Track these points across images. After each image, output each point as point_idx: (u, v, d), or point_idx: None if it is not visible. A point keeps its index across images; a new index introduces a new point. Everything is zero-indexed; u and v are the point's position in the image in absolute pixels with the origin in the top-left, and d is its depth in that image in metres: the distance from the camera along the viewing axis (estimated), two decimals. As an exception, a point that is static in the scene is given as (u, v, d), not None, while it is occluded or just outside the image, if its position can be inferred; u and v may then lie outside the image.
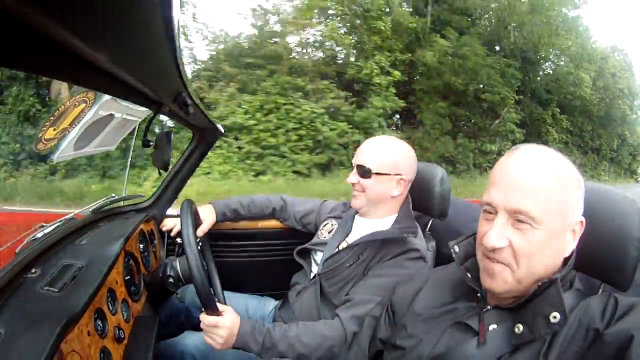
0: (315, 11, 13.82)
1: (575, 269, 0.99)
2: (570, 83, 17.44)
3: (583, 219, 0.93)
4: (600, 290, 1.05)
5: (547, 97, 17.61)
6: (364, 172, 1.62)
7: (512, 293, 0.94)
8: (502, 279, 0.92)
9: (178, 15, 0.65)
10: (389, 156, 1.63)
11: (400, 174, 1.63)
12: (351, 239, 1.71)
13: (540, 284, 0.89)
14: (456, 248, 1.10)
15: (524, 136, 16.45)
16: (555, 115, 17.68)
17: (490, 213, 0.94)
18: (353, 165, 1.67)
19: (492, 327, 0.95)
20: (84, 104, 1.65)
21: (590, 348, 0.81)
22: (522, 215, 0.88)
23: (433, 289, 1.18)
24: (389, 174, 1.62)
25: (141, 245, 1.74)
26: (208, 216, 1.96)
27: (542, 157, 0.92)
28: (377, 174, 1.61)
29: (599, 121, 19.09)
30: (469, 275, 1.04)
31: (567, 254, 0.93)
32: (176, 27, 0.67)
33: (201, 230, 1.84)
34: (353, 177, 1.66)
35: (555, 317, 0.84)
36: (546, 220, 0.87)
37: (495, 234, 0.90)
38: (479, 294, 1.03)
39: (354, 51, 14.30)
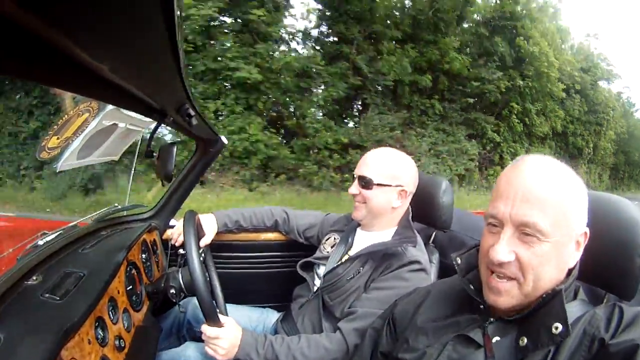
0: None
1: (580, 279, 0.98)
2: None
3: (587, 229, 0.93)
4: (605, 300, 1.04)
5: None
6: (366, 183, 1.62)
7: (516, 307, 0.93)
8: (508, 295, 0.91)
9: (181, 26, 0.66)
10: (390, 167, 1.63)
11: (401, 185, 1.63)
12: (352, 252, 1.71)
13: (544, 296, 0.88)
14: (458, 260, 1.09)
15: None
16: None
17: (495, 226, 0.93)
18: (355, 176, 1.68)
19: (496, 339, 0.94)
20: (88, 114, 1.66)
21: (595, 358, 0.80)
22: (530, 228, 0.86)
23: (435, 302, 1.16)
24: (390, 185, 1.62)
25: (144, 255, 1.74)
26: (210, 226, 1.96)
27: (549, 168, 0.91)
28: (378, 185, 1.61)
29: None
30: (471, 287, 1.03)
31: (571, 265, 0.93)
32: (179, 37, 0.67)
33: (204, 241, 1.84)
34: (354, 188, 1.66)
35: (557, 327, 0.83)
36: (553, 232, 0.86)
37: (502, 248, 0.89)
38: (481, 306, 1.02)
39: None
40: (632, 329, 0.79)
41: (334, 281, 1.63)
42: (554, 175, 0.90)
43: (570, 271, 0.94)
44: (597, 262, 1.00)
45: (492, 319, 0.98)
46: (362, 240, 1.72)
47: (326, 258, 1.77)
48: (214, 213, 2.02)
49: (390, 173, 1.62)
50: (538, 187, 0.88)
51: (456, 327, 1.04)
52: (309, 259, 1.87)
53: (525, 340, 0.87)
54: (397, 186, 1.63)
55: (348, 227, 1.83)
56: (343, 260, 1.69)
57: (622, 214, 0.99)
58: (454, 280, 1.17)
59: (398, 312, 1.24)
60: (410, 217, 1.70)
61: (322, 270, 1.75)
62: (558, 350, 0.83)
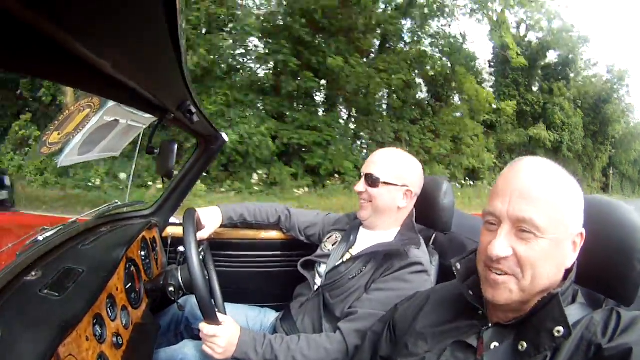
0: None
1: (578, 284, 0.98)
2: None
3: (583, 230, 0.93)
4: (604, 305, 1.04)
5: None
6: (372, 182, 1.63)
7: (514, 305, 0.93)
8: (505, 289, 0.91)
9: (183, 23, 0.65)
10: (398, 167, 1.64)
11: (407, 186, 1.64)
12: (355, 250, 1.70)
13: (540, 299, 0.88)
14: (458, 265, 1.09)
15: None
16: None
17: (493, 224, 0.94)
18: (362, 174, 1.68)
19: (494, 345, 0.94)
20: (89, 109, 1.66)
21: None
22: (526, 224, 0.87)
23: (434, 307, 1.16)
24: (397, 185, 1.63)
25: (143, 253, 1.74)
26: (214, 219, 1.94)
27: (545, 169, 0.92)
28: (385, 183, 1.62)
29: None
30: (470, 293, 1.03)
31: (568, 266, 0.93)
32: (181, 34, 0.67)
33: (202, 235, 1.84)
34: (361, 185, 1.67)
35: (559, 331, 0.83)
36: (549, 229, 0.87)
37: (499, 243, 0.89)
38: (480, 312, 1.02)
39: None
40: (629, 333, 0.79)
41: (336, 279, 1.63)
42: (550, 175, 0.91)
43: (567, 274, 0.94)
44: (596, 267, 0.99)
45: (489, 325, 0.98)
46: (365, 239, 1.72)
47: (327, 256, 1.77)
48: (219, 206, 2.00)
49: (397, 173, 1.63)
50: (534, 185, 0.89)
51: (455, 333, 1.04)
52: (309, 257, 1.87)
53: (525, 344, 0.87)
54: (403, 186, 1.64)
55: (351, 226, 1.83)
56: (345, 258, 1.69)
57: (622, 219, 0.99)
58: (453, 285, 1.17)
59: (398, 317, 1.24)
60: (413, 219, 1.70)
61: (323, 269, 1.75)
62: (555, 355, 0.83)
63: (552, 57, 22.37)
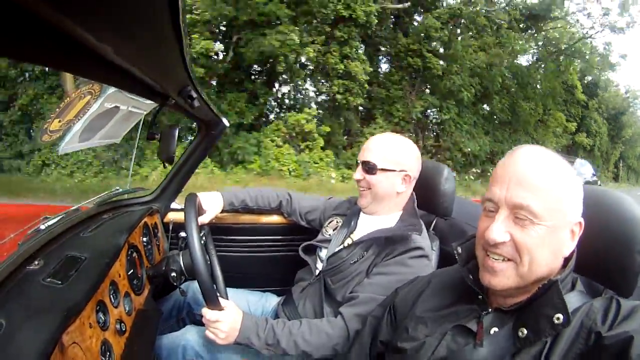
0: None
1: (578, 273, 0.98)
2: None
3: (582, 220, 0.93)
4: (603, 294, 1.04)
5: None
6: (369, 168, 1.61)
7: (511, 291, 0.94)
8: (503, 276, 0.92)
9: (184, 8, 0.65)
10: (394, 152, 1.62)
11: (405, 170, 1.63)
12: (356, 236, 1.70)
13: (540, 285, 0.89)
14: (459, 249, 1.10)
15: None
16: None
17: (491, 210, 0.94)
18: (358, 162, 1.67)
19: (494, 330, 0.94)
20: (90, 96, 1.64)
21: (591, 351, 0.80)
22: (523, 210, 0.88)
23: (435, 292, 1.17)
24: (394, 170, 1.61)
25: (145, 239, 1.74)
26: (215, 204, 1.92)
27: (543, 157, 0.93)
28: (382, 169, 1.60)
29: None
30: (470, 277, 1.03)
31: (566, 254, 0.93)
32: (182, 19, 0.66)
33: (203, 220, 1.83)
34: (358, 173, 1.65)
35: (558, 318, 0.83)
36: (546, 216, 0.88)
37: (497, 228, 0.90)
38: (480, 296, 1.03)
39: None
40: (629, 321, 0.80)
41: (338, 264, 1.63)
42: (547, 163, 0.91)
43: (566, 262, 0.94)
44: (596, 257, 1.00)
45: (489, 310, 0.99)
46: (366, 224, 1.72)
47: (328, 241, 1.77)
48: (219, 191, 1.98)
49: (393, 158, 1.62)
50: (531, 172, 0.90)
51: (455, 317, 1.04)
52: (311, 242, 1.87)
53: (525, 331, 0.88)
54: (401, 171, 1.62)
55: (351, 211, 1.83)
56: (346, 243, 1.69)
57: (623, 210, 0.99)
58: (454, 270, 1.17)
59: (398, 301, 1.25)
60: (415, 205, 1.69)
61: (324, 254, 1.75)
62: (555, 341, 0.84)
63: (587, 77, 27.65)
